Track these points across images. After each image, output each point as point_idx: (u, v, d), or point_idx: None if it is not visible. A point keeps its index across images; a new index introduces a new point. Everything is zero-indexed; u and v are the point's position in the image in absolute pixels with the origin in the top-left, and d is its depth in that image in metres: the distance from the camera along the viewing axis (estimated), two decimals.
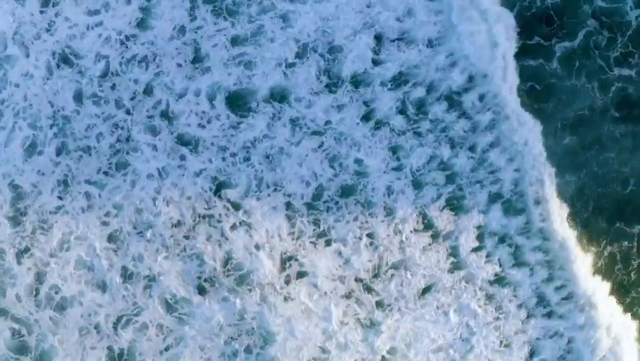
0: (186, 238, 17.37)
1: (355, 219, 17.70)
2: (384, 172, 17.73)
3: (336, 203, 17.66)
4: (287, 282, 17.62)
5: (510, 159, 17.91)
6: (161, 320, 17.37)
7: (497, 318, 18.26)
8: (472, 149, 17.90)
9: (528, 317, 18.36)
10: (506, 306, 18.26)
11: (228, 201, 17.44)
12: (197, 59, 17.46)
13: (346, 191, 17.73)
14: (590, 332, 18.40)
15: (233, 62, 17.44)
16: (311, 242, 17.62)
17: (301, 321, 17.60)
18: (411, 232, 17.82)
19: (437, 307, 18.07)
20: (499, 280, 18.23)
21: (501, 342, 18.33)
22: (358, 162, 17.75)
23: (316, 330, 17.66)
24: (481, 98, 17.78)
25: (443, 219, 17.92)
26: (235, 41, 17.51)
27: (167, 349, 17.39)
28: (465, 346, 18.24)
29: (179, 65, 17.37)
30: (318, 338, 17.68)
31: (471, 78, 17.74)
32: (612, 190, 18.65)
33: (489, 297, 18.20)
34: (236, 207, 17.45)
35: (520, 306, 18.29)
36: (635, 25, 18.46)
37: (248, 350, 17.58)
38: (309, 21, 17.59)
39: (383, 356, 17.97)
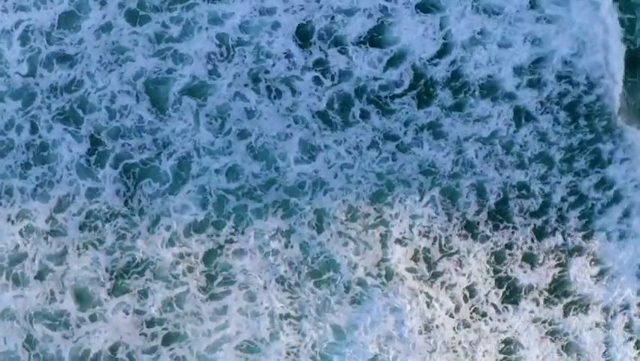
0: (101, 233, 17.44)
1: (280, 213, 17.77)
2: (311, 167, 17.88)
3: (260, 198, 17.75)
4: (210, 277, 17.64)
5: None
6: (75, 314, 17.34)
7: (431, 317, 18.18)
8: (400, 146, 18.06)
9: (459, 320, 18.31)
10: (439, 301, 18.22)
11: (146, 195, 17.53)
12: (120, 51, 17.72)
13: (270, 185, 17.80)
14: None
15: (157, 56, 17.74)
16: (233, 237, 17.67)
17: (233, 313, 17.61)
18: (339, 222, 17.88)
19: (363, 301, 17.97)
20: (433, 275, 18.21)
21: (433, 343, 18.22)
22: (282, 156, 17.85)
23: (252, 321, 17.68)
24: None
25: (374, 213, 17.97)
26: (161, 36, 17.79)
27: (76, 342, 17.32)
28: (398, 342, 18.10)
29: (103, 58, 17.63)
30: (251, 329, 17.68)
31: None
32: None
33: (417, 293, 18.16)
34: (156, 201, 17.53)
35: (452, 298, 18.23)
36: None
37: (174, 340, 17.56)
38: (240, 17, 17.90)
39: (315, 353, 17.85)
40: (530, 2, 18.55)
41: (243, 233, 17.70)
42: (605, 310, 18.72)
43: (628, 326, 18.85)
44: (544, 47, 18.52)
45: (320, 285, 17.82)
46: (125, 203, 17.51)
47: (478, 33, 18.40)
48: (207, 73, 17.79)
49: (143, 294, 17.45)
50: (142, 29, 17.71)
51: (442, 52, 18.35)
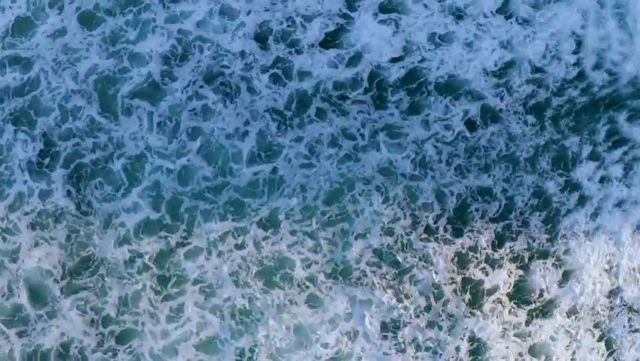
0: (53, 232, 17.54)
1: (234, 212, 17.79)
2: (269, 166, 17.92)
3: (214, 199, 17.77)
4: (164, 278, 17.70)
5: None
6: (30, 312, 17.50)
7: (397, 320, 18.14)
8: (358, 146, 18.06)
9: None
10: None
11: (98, 196, 17.65)
12: (73, 51, 17.85)
13: (225, 184, 17.84)
14: None
15: (111, 57, 17.85)
16: (185, 240, 17.75)
17: (190, 312, 17.65)
18: (295, 220, 17.91)
19: (323, 298, 17.91)
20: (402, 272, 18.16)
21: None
22: (235, 156, 17.89)
23: (209, 321, 17.72)
24: None
25: (335, 210, 17.94)
26: (115, 37, 17.95)
27: (29, 339, 17.49)
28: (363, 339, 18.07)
29: (56, 59, 17.77)
30: (209, 329, 17.72)
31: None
32: None
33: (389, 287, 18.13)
34: (107, 201, 17.64)
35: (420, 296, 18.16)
36: None
37: (130, 338, 17.62)
38: (200, 15, 18.07)
39: (275, 351, 17.88)
40: (502, 5, 18.54)
41: (197, 234, 17.74)
42: (573, 312, 18.54)
43: (597, 326, 18.68)
44: (514, 51, 18.43)
45: (277, 284, 17.81)
46: (78, 205, 17.62)
47: (442, 35, 18.36)
48: (162, 73, 17.91)
49: (98, 292, 17.57)
50: (97, 31, 17.88)
51: (404, 54, 18.31)
